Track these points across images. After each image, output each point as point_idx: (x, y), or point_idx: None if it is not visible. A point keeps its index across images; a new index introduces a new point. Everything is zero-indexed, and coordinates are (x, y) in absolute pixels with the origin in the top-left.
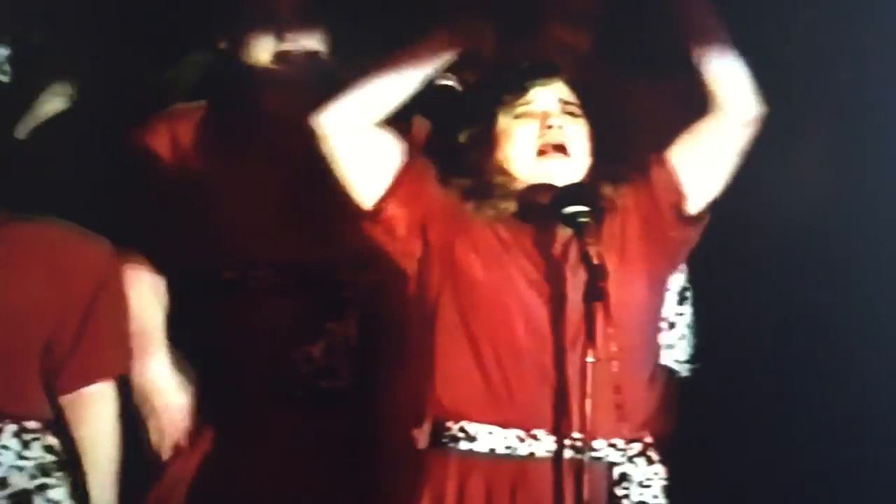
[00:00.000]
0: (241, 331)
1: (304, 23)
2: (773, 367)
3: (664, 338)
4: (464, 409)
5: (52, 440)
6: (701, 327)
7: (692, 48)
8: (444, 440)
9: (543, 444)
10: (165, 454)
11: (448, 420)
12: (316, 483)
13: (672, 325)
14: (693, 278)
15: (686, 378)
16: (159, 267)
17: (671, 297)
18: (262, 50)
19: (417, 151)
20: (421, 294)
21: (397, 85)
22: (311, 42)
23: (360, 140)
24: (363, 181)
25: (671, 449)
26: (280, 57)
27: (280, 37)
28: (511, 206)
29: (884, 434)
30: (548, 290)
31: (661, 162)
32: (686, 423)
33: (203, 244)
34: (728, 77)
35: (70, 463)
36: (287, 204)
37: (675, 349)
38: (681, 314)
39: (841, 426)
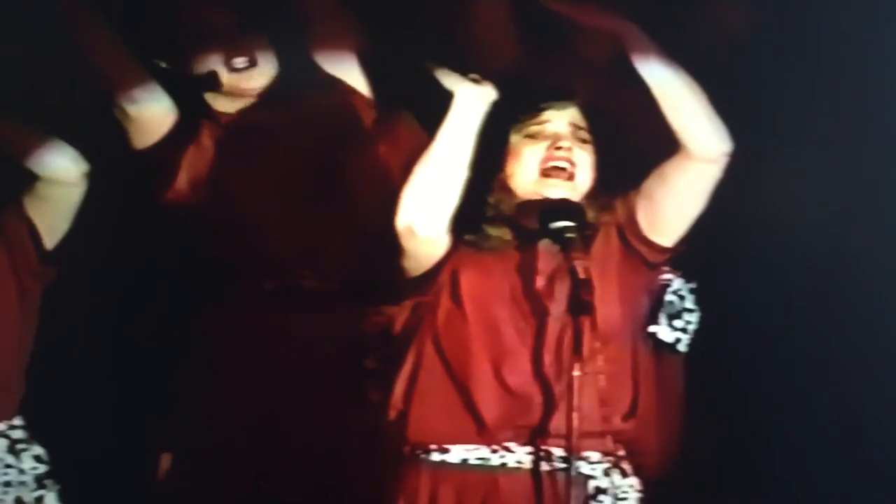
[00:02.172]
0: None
1: (244, 36)
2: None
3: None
4: (440, 438)
5: (39, 450)
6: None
7: (651, 88)
8: (416, 451)
9: (515, 456)
10: None
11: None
12: None
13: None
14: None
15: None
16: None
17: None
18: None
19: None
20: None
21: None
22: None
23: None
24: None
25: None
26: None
27: (227, 57)
28: (506, 233)
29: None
30: (533, 306)
31: (625, 202)
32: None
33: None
34: (689, 116)
35: (56, 472)
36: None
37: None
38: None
39: (824, 447)
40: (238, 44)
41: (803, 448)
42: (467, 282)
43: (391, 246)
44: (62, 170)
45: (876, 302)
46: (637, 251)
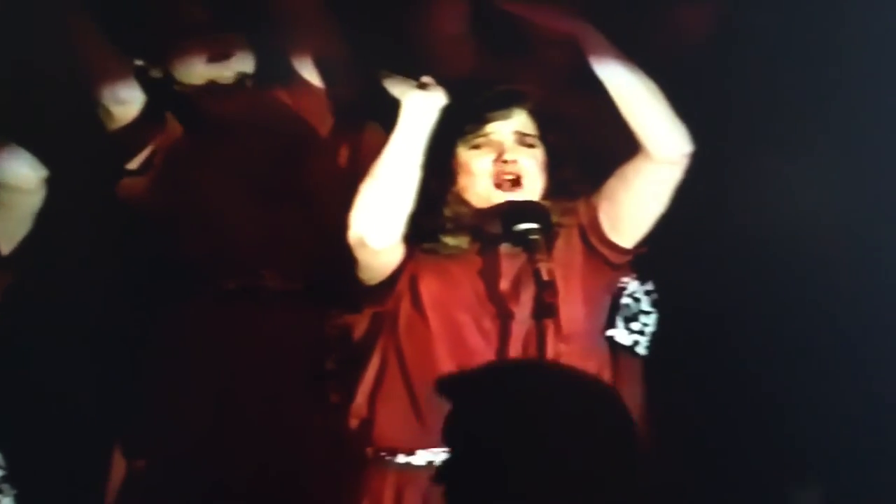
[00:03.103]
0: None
1: (222, 32)
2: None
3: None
4: (406, 443)
5: None
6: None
7: (609, 90)
8: (381, 453)
9: None
10: None
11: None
12: None
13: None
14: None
15: None
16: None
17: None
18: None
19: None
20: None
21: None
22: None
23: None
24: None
25: None
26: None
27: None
28: (464, 242)
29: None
30: (497, 309)
31: (588, 203)
32: None
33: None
34: (648, 117)
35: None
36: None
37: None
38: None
39: (784, 448)
40: (213, 36)
41: (764, 449)
42: (428, 288)
43: (349, 253)
44: (20, 176)
45: (833, 303)
46: (599, 253)
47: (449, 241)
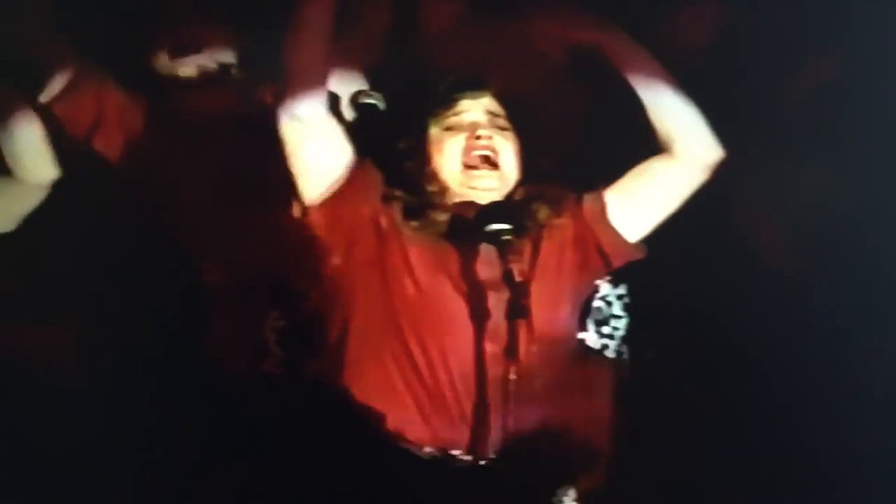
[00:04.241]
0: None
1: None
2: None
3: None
4: None
5: None
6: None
7: (640, 91)
8: None
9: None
10: None
11: None
12: None
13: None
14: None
15: None
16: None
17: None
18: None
19: (367, 162)
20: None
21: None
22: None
23: (325, 130)
24: (314, 177)
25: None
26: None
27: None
28: (444, 217)
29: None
30: (472, 308)
31: (595, 199)
32: None
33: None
34: (683, 122)
35: None
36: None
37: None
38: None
39: (755, 449)
40: (186, 28)
41: (734, 451)
42: (419, 262)
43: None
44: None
45: (804, 307)
46: (602, 251)
47: (435, 216)
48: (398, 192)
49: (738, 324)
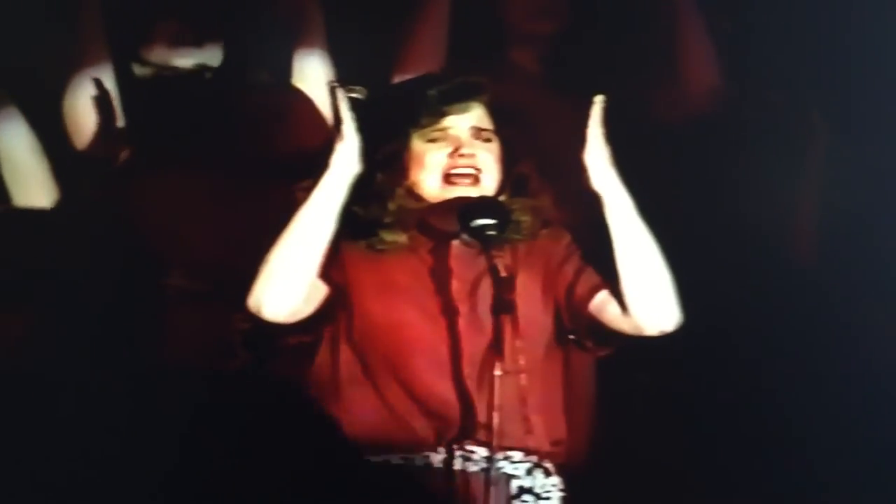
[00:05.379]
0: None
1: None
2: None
3: None
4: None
5: None
6: None
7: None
8: None
9: (439, 455)
10: None
11: None
12: None
13: None
14: None
15: None
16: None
17: None
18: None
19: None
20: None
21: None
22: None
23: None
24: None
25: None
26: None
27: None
28: (402, 238)
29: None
30: (455, 304)
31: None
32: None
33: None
34: (647, 286)
35: None
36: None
37: None
38: None
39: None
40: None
41: (718, 445)
42: (366, 286)
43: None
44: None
45: (781, 304)
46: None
47: (386, 236)
48: (355, 207)
49: (727, 319)
